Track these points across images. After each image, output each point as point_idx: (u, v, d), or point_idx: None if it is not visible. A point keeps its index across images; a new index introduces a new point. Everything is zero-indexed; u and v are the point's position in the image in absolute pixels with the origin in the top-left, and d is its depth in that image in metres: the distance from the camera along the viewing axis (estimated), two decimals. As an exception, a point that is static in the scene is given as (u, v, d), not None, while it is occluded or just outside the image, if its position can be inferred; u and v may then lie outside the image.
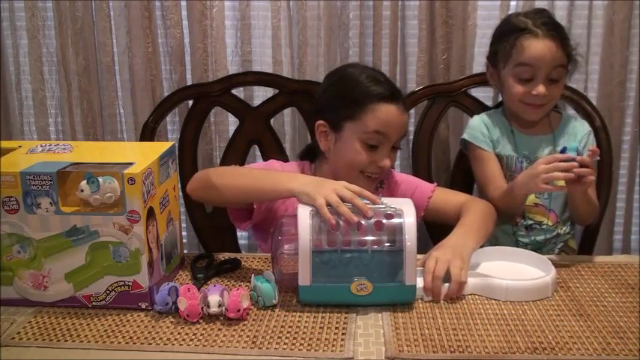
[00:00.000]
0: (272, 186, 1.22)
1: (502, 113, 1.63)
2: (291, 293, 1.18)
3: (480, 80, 1.79)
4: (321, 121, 1.41)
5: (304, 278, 1.11)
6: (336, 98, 1.40)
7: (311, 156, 1.52)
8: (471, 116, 1.79)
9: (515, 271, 1.26)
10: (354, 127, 1.36)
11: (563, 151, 1.32)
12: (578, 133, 1.60)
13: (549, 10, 1.62)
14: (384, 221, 1.13)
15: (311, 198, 1.13)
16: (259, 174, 1.31)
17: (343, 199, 1.13)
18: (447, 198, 1.46)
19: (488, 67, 1.62)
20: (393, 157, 1.43)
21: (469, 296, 1.17)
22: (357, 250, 1.11)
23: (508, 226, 1.59)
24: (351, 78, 1.41)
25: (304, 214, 1.12)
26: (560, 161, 1.29)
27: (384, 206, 1.15)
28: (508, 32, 1.54)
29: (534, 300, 1.15)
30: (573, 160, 1.28)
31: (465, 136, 1.63)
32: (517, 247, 1.57)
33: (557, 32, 1.51)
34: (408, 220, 1.12)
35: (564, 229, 1.59)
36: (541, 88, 1.50)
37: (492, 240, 1.61)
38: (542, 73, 1.49)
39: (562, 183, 1.32)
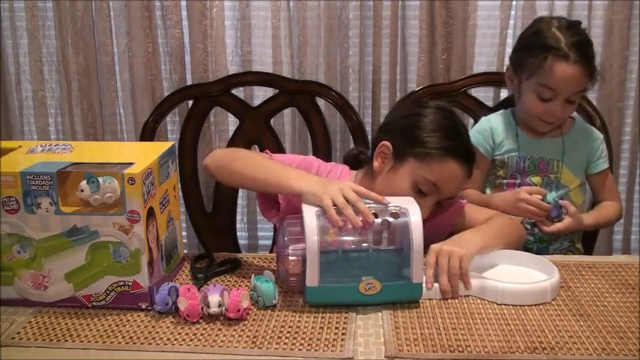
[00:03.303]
0: (277, 181, 1.21)
1: (511, 114, 1.63)
2: (292, 293, 1.18)
3: (480, 80, 1.80)
4: (387, 143, 1.35)
5: (312, 279, 1.10)
6: (413, 131, 1.33)
7: (355, 162, 1.49)
8: (471, 116, 1.79)
9: (518, 274, 1.24)
10: (415, 168, 1.30)
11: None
12: (589, 140, 1.61)
13: (581, 22, 1.57)
14: (390, 220, 1.13)
15: (317, 198, 1.12)
16: (271, 166, 1.27)
17: (348, 201, 1.12)
18: (476, 214, 1.41)
19: (509, 70, 1.60)
20: (434, 210, 1.34)
21: (469, 297, 1.17)
22: (363, 249, 1.11)
23: None
24: (436, 119, 1.34)
25: (310, 214, 1.12)
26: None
27: (389, 205, 1.15)
28: (538, 47, 1.49)
29: (531, 304, 1.13)
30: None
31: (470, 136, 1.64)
32: (523, 244, 1.58)
33: (587, 56, 1.48)
34: (414, 218, 1.12)
35: None
36: (558, 111, 1.51)
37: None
38: (563, 96, 1.49)
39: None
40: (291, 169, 1.25)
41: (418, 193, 1.30)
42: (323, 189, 1.13)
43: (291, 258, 1.15)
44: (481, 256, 1.23)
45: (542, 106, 1.52)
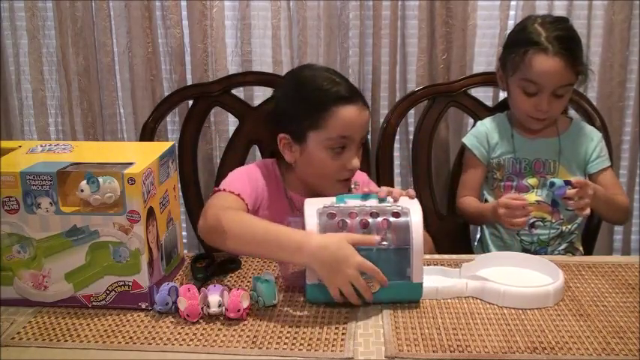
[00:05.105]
0: (281, 258, 1.19)
1: (506, 116, 1.64)
2: (292, 293, 1.18)
3: (480, 80, 1.79)
4: (283, 135, 1.35)
5: (312, 276, 1.11)
6: (294, 107, 1.34)
7: (274, 155, 1.47)
8: (471, 116, 1.79)
9: (524, 277, 1.22)
10: (318, 136, 1.31)
11: (552, 185, 1.40)
12: (587, 138, 1.59)
13: (569, 19, 1.57)
14: (391, 220, 1.13)
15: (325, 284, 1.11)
16: (266, 237, 1.14)
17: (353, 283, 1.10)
18: None
19: (499, 70, 1.61)
20: (360, 155, 1.37)
21: (469, 298, 1.17)
22: (364, 248, 1.11)
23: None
24: (307, 82, 1.35)
25: (311, 212, 1.12)
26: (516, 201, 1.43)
27: (390, 205, 1.15)
28: (520, 42, 1.51)
29: (533, 308, 1.12)
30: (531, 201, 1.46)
31: (465, 140, 1.65)
32: (521, 246, 1.58)
33: (569, 49, 1.47)
34: (415, 218, 1.12)
35: (569, 227, 1.58)
36: (544, 105, 1.50)
37: (498, 240, 1.62)
38: (547, 90, 1.49)
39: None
40: (289, 239, 1.12)
41: (338, 154, 1.32)
42: (329, 276, 1.09)
43: None
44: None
45: (528, 101, 1.52)
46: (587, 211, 1.41)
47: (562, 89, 1.50)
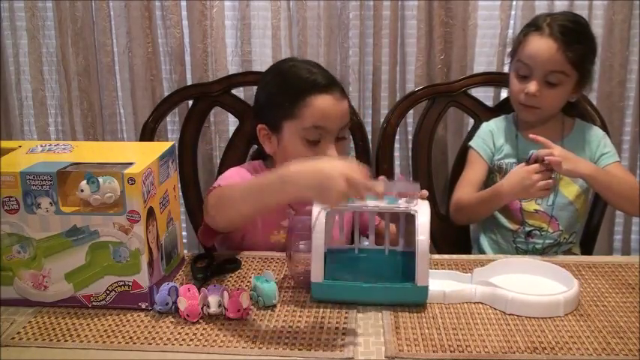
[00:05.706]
0: (276, 201, 1.15)
1: (512, 118, 1.63)
2: (292, 292, 1.18)
3: (480, 80, 1.79)
4: (261, 125, 1.35)
5: (316, 275, 1.12)
6: (271, 97, 1.35)
7: (261, 156, 1.48)
8: (471, 116, 1.79)
9: (537, 286, 1.19)
10: (293, 126, 1.30)
11: (529, 158, 1.40)
12: (590, 139, 1.58)
13: (587, 21, 1.55)
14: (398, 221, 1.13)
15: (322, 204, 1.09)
16: (256, 189, 1.14)
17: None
18: None
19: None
20: (342, 148, 1.34)
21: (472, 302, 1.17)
22: (370, 249, 1.11)
23: (508, 233, 1.58)
24: (283, 73, 1.36)
25: (318, 210, 1.13)
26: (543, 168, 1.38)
27: (398, 205, 1.15)
28: (524, 28, 1.54)
29: (542, 317, 1.09)
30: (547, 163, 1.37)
31: (471, 143, 1.64)
32: (516, 252, 1.57)
33: (565, 35, 1.45)
34: (422, 220, 1.12)
35: (566, 238, 1.57)
36: (532, 87, 1.48)
37: (494, 246, 1.61)
38: (537, 73, 1.48)
39: None
40: (267, 182, 1.12)
41: (313, 144, 1.30)
42: (322, 198, 1.06)
43: (298, 254, 1.16)
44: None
45: (519, 85, 1.51)
46: (557, 158, 1.37)
47: (554, 76, 1.47)
